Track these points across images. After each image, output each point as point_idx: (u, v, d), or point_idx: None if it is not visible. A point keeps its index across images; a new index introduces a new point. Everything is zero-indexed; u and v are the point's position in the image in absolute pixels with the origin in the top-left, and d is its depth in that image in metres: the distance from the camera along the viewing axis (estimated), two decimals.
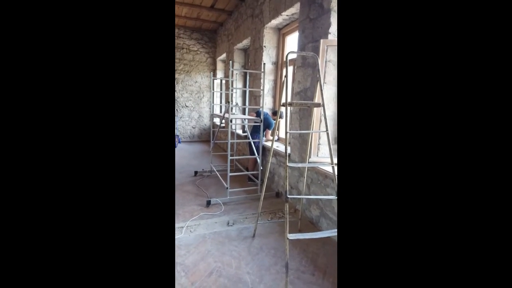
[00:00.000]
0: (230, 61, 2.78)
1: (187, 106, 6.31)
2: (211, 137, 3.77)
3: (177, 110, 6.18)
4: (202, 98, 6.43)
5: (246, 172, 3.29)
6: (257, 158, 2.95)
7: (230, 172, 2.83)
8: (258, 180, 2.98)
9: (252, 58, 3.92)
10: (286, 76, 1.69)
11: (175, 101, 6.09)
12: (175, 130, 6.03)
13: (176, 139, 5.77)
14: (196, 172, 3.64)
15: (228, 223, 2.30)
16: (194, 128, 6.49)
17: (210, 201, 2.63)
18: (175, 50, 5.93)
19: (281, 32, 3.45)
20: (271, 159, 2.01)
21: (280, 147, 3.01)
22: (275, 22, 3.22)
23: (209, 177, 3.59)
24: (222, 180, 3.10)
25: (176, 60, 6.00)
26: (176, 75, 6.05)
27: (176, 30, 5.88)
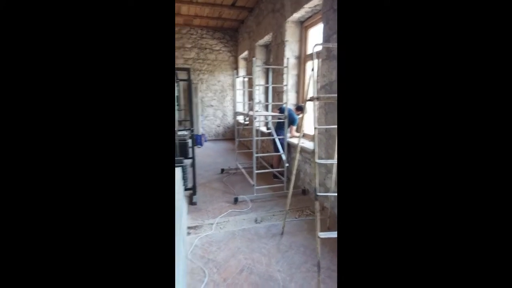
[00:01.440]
0: (253, 59, 2.78)
1: (211, 106, 6.45)
2: (235, 135, 3.82)
3: (202, 110, 6.34)
4: (225, 97, 6.53)
5: (271, 170, 3.29)
6: (282, 155, 2.93)
7: (256, 170, 2.85)
8: (283, 177, 2.96)
9: (274, 54, 3.87)
10: (313, 70, 1.64)
11: (201, 101, 6.25)
12: (201, 129, 6.21)
13: (202, 138, 5.93)
14: (222, 170, 3.72)
15: (256, 220, 2.32)
16: (218, 126, 6.62)
17: (237, 198, 2.68)
18: (199, 51, 6.07)
19: (303, 25, 3.36)
20: (297, 156, 1.98)
21: (305, 143, 2.96)
22: (297, 15, 3.15)
23: (235, 174, 3.65)
24: (248, 178, 3.13)
25: (200, 61, 6.14)
26: (200, 76, 6.20)
27: (199, 31, 6.01)
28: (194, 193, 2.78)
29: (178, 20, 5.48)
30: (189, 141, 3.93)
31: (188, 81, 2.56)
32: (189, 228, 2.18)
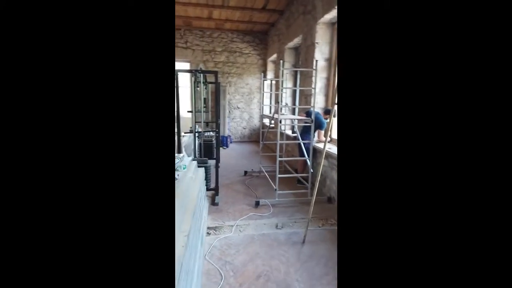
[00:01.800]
0: (281, 61, 2.74)
1: (238, 108, 6.53)
2: (260, 137, 3.80)
3: (229, 111, 6.44)
4: (252, 99, 6.57)
5: (295, 174, 3.20)
6: (307, 160, 2.83)
7: (279, 174, 2.79)
8: (307, 183, 2.85)
9: (303, 56, 3.79)
10: None
11: (228, 103, 6.36)
12: (227, 130, 6.31)
13: (228, 140, 6.02)
14: (245, 172, 3.72)
15: (276, 226, 2.26)
16: (244, 128, 6.67)
17: (259, 201, 2.64)
18: (229, 54, 6.20)
19: (335, 27, 3.24)
20: (323, 161, 1.89)
21: (332, 148, 2.82)
22: (328, 16, 3.04)
23: (258, 177, 3.62)
24: (271, 181, 3.08)
25: (229, 64, 6.26)
26: (229, 78, 6.32)
27: (230, 34, 6.14)
28: (216, 194, 2.80)
29: (210, 24, 5.66)
30: (215, 142, 4.01)
31: (216, 83, 2.61)
32: (209, 228, 2.19)
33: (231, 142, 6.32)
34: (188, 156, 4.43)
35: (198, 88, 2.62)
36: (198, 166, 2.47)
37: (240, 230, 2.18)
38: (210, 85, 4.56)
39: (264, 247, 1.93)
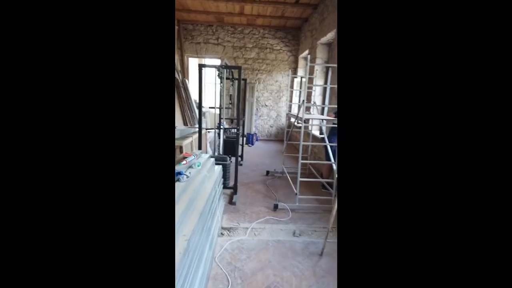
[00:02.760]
0: (308, 56, 2.55)
1: (266, 105, 6.41)
2: (284, 137, 3.64)
3: (257, 109, 6.36)
4: (281, 97, 6.39)
5: (319, 179, 2.99)
6: (333, 164, 2.62)
7: (302, 177, 2.62)
8: (332, 189, 2.64)
9: (336, 52, 3.53)
10: None
11: (256, 100, 6.28)
12: (253, 128, 6.24)
13: (254, 137, 5.94)
14: (267, 172, 3.60)
15: (294, 233, 2.11)
16: (271, 127, 6.54)
17: (277, 205, 2.51)
18: (260, 51, 6.09)
19: None
20: None
21: None
22: None
23: (280, 178, 3.48)
24: (292, 184, 2.91)
25: (259, 60, 6.16)
26: (258, 75, 6.22)
27: (261, 30, 6.03)
28: (235, 193, 2.73)
29: (241, 20, 5.60)
30: (240, 139, 3.95)
31: (239, 79, 2.52)
32: (223, 228, 2.12)
33: (257, 140, 6.24)
34: (213, 152, 4.45)
35: (221, 84, 2.56)
36: (217, 164, 2.42)
37: (254, 234, 2.08)
38: (236, 81, 4.53)
39: (277, 255, 1.80)
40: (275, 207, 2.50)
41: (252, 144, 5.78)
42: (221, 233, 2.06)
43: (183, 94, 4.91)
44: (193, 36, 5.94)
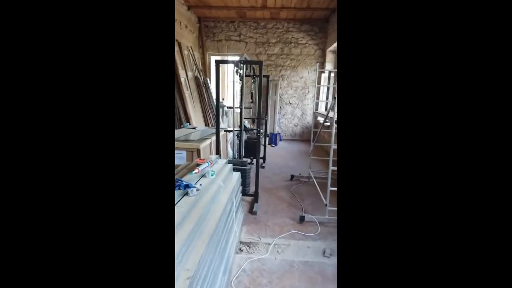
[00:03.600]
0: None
1: (290, 103, 6.07)
2: (311, 138, 3.31)
3: (280, 107, 6.05)
4: (306, 94, 6.01)
5: None
6: None
7: (333, 186, 2.29)
8: None
9: None
10: None
11: (280, 98, 5.98)
12: (277, 127, 5.94)
13: (277, 137, 5.65)
14: (292, 176, 3.30)
15: (324, 253, 1.81)
16: (296, 126, 6.19)
17: (304, 217, 2.21)
18: (284, 46, 5.77)
19: None
20: None
21: None
22: None
23: (306, 183, 3.16)
24: (321, 193, 2.58)
25: (283, 56, 5.84)
26: (282, 72, 5.90)
27: (286, 24, 5.70)
28: (256, 200, 2.49)
29: (264, 14, 5.32)
30: (261, 140, 3.70)
31: (260, 76, 2.26)
32: (242, 243, 1.89)
33: (280, 140, 5.93)
34: (234, 153, 4.25)
35: (241, 82, 2.32)
36: (236, 169, 2.19)
37: (277, 251, 1.81)
38: (258, 79, 4.26)
39: (304, 281, 1.52)
40: (301, 219, 2.21)
41: (276, 145, 5.50)
42: (240, 249, 1.82)
43: (205, 94, 4.78)
44: (215, 33, 5.79)
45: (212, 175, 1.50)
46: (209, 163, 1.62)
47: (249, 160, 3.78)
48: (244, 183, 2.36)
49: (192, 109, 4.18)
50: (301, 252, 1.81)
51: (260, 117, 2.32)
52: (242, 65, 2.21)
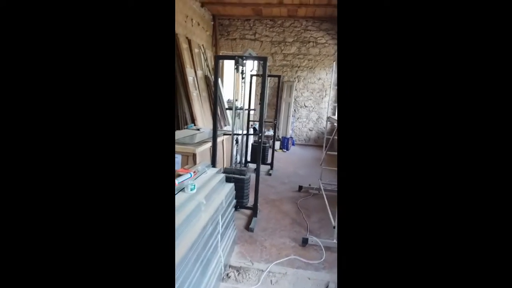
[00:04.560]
0: None
1: (306, 106, 5.73)
2: (324, 145, 2.98)
3: (294, 110, 5.73)
4: (324, 97, 5.64)
5: None
6: None
7: None
8: None
9: None
10: None
11: (294, 100, 5.66)
12: (290, 131, 5.62)
13: (290, 142, 5.33)
14: (300, 187, 2.99)
15: (327, 287, 1.49)
16: (311, 130, 5.83)
17: (307, 239, 1.90)
18: (301, 45, 5.46)
19: None
20: None
21: None
22: None
23: (316, 196, 2.83)
24: (329, 210, 2.25)
25: (300, 56, 5.52)
26: (298, 73, 5.59)
27: (304, 22, 5.38)
28: (254, 215, 2.21)
29: (281, 11, 5.05)
30: (268, 145, 3.41)
31: (263, 74, 1.98)
32: (231, 267, 1.62)
33: (293, 145, 5.61)
34: (241, 157, 3.99)
35: (243, 80, 2.06)
36: (233, 180, 1.94)
37: (271, 281, 1.53)
38: (270, 78, 3.98)
39: None
40: (304, 241, 1.90)
41: (287, 149, 5.18)
42: (227, 275, 1.56)
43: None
44: (229, 32, 5.60)
45: (192, 190, 1.26)
46: (192, 174, 1.37)
47: (254, 166, 3.52)
48: (242, 194, 2.10)
49: (199, 109, 3.99)
50: (300, 285, 1.52)
51: (262, 119, 2.05)
52: (244, 61, 1.96)
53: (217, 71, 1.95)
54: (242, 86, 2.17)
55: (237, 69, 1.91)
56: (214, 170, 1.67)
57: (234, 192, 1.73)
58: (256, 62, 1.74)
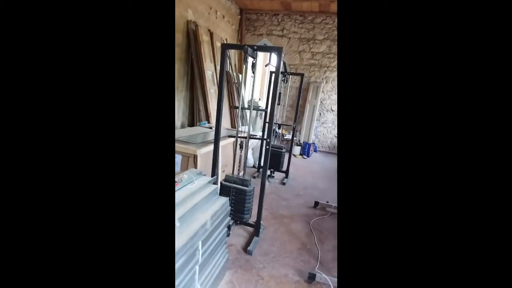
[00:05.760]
0: None
1: (332, 110, 5.24)
2: None
3: (320, 114, 5.27)
4: None
5: None
6: None
7: None
8: None
9: None
10: None
11: (320, 103, 5.21)
12: (313, 136, 5.18)
13: (311, 148, 4.90)
14: (317, 203, 2.59)
15: None
16: (336, 137, 5.33)
17: (315, 275, 1.53)
18: (332, 44, 4.99)
19: None
20: None
21: None
22: None
23: (334, 216, 2.42)
24: None
25: (330, 55, 5.05)
26: (327, 73, 5.12)
27: (332, 18, 4.90)
28: (256, 234, 1.89)
29: (312, 6, 4.64)
30: (283, 151, 3.05)
31: (277, 69, 1.65)
32: None
33: (315, 151, 5.16)
34: (255, 161, 3.66)
35: (253, 76, 1.75)
36: (234, 191, 1.64)
37: None
38: (292, 76, 3.58)
39: None
40: (311, 277, 1.53)
41: (308, 156, 4.76)
42: None
43: (235, 92, 4.34)
44: (256, 27, 5.32)
45: None
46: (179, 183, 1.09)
47: (268, 173, 3.19)
48: (243, 208, 1.78)
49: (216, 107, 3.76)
50: None
51: (272, 122, 1.72)
52: (254, 52, 1.64)
53: (223, 62, 1.66)
54: (251, 82, 1.85)
55: (246, 61, 1.60)
56: (206, 179, 1.38)
57: (229, 208, 1.42)
58: (276, 56, 1.45)
